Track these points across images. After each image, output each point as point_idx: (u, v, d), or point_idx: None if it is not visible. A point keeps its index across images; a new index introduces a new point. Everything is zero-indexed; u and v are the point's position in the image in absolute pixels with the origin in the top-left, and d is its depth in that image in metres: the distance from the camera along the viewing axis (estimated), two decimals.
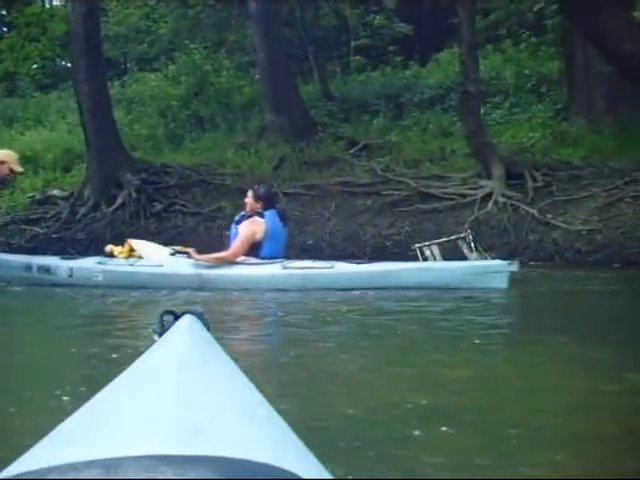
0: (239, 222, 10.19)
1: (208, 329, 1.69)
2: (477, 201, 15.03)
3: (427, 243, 12.93)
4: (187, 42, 22.14)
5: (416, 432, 3.60)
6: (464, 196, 15.36)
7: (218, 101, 21.29)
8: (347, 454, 3.28)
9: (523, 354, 5.57)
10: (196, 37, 22.32)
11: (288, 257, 10.32)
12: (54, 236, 17.16)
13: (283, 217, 10.47)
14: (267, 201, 10.27)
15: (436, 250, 12.75)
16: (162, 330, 1.64)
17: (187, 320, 1.64)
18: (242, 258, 9.98)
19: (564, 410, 4.14)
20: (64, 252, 16.67)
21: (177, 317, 1.68)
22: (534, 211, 14.45)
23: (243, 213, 10.41)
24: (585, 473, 3.19)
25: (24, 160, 19.53)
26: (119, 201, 17.18)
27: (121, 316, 8.20)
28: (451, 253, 13.24)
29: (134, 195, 17.02)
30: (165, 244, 16.58)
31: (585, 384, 4.70)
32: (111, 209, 17.13)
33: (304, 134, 18.08)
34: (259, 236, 9.97)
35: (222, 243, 16.65)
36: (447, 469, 3.20)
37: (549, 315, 7.89)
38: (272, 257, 9.94)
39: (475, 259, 12.52)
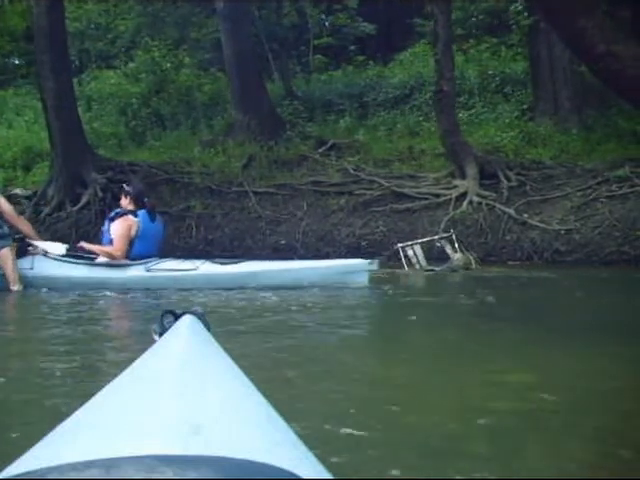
0: (112, 219, 10.03)
1: (208, 329, 1.66)
2: (452, 201, 14.80)
3: (410, 243, 12.69)
4: (147, 39, 21.56)
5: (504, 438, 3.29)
6: (438, 196, 15.12)
7: (179, 99, 20.80)
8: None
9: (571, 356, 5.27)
10: (157, 34, 21.76)
11: (162, 254, 10.15)
12: (17, 236, 16.46)
13: (152, 213, 10.20)
14: (138, 199, 10.08)
15: (419, 250, 12.52)
16: (162, 330, 1.62)
17: (187, 320, 1.63)
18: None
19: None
20: (27, 252, 16.09)
21: (177, 317, 1.66)
22: (511, 211, 14.26)
23: (117, 210, 10.23)
24: None
25: None
26: (84, 200, 16.60)
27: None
28: (427, 252, 13.05)
29: (100, 194, 16.45)
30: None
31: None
32: (76, 208, 16.54)
33: (272, 133, 17.69)
34: (133, 233, 9.84)
35: (187, 243, 16.30)
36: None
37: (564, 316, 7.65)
38: (144, 256, 9.79)
39: (459, 259, 12.32)
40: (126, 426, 0.99)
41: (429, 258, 12.55)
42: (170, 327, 1.61)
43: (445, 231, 13.76)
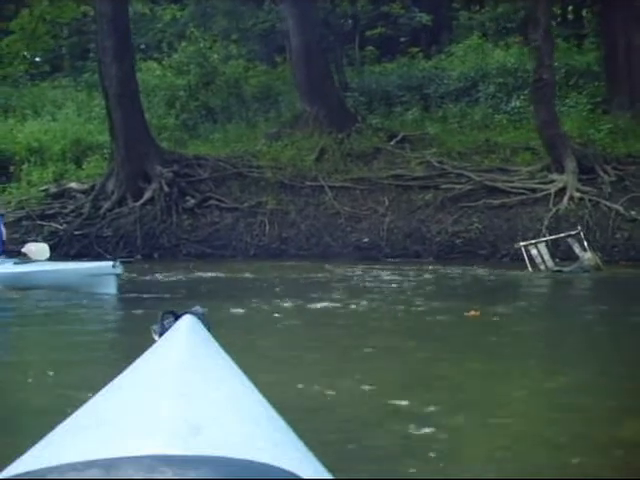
0: None
1: (209, 329, 1.57)
2: (551, 196, 13.30)
3: (533, 241, 11.24)
4: (193, 30, 19.89)
5: None
6: (535, 190, 13.63)
7: (229, 92, 19.19)
8: None
9: None
10: (206, 25, 20.15)
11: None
12: (76, 233, 14.87)
13: None
14: None
15: (543, 249, 11.05)
16: (162, 330, 1.55)
17: (187, 320, 1.55)
18: None
19: None
20: (89, 250, 14.56)
21: (177, 317, 1.58)
22: (618, 207, 12.80)
23: None
24: None
25: (30, 151, 17.26)
26: (147, 195, 14.99)
27: None
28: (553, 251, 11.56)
29: (165, 189, 14.84)
30: (199, 242, 14.53)
31: None
32: (139, 203, 14.92)
33: (341, 125, 16.06)
34: None
35: (261, 241, 14.73)
36: None
37: None
38: None
39: (589, 259, 10.83)
40: (126, 426, 0.94)
41: (562, 258, 11.10)
42: (170, 327, 1.52)
43: (549, 228, 12.37)
